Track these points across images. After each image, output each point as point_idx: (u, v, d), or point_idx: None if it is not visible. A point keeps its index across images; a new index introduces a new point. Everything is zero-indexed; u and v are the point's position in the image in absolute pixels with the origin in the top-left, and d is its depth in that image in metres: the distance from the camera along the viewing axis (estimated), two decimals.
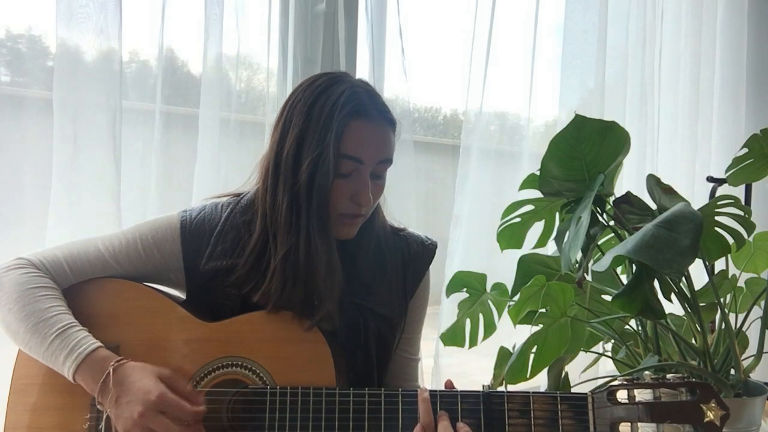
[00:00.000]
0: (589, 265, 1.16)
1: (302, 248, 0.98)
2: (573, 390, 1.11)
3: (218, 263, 1.03)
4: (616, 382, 0.90)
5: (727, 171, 1.24)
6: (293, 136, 0.99)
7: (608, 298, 1.28)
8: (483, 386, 0.95)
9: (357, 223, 1.04)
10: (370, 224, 1.10)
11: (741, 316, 1.22)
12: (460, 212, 1.84)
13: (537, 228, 1.37)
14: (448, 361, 1.77)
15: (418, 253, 1.16)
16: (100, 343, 0.94)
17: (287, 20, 1.57)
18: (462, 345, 1.44)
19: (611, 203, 1.13)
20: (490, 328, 1.42)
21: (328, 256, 0.98)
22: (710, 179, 1.76)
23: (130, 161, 1.37)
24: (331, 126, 0.96)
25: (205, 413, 0.92)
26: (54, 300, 0.97)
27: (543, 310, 1.18)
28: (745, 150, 1.20)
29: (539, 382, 1.27)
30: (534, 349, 1.17)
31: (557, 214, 1.29)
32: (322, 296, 0.99)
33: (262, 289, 0.99)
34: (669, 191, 1.13)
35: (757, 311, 1.19)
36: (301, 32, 1.59)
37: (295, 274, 0.98)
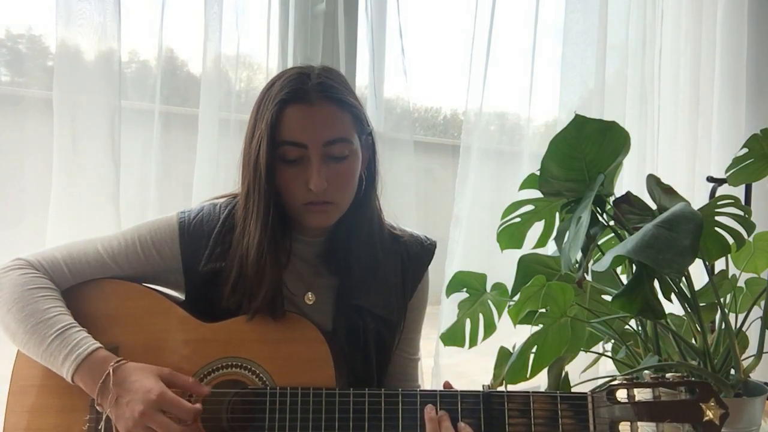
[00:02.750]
0: (589, 265, 1.16)
1: (246, 239, 0.99)
2: (573, 390, 1.11)
3: (217, 265, 1.03)
4: (615, 382, 0.90)
5: (727, 171, 1.24)
6: (247, 133, 1.01)
7: (608, 298, 1.28)
8: (483, 386, 0.95)
9: (327, 210, 1.01)
10: (363, 222, 1.07)
11: (741, 316, 1.22)
12: (460, 212, 1.84)
13: (537, 228, 1.36)
14: (448, 361, 1.77)
15: (417, 254, 1.15)
16: (99, 344, 0.93)
17: (287, 20, 1.57)
18: (462, 345, 1.43)
19: (611, 203, 1.13)
20: (490, 328, 1.42)
21: (258, 242, 0.97)
22: (710, 179, 1.76)
23: (129, 161, 1.37)
24: (265, 115, 0.96)
25: (203, 412, 0.92)
26: (53, 301, 0.96)
27: (543, 310, 1.18)
28: (745, 150, 1.20)
29: (539, 382, 1.27)
30: (534, 349, 1.17)
31: (557, 214, 1.28)
32: (260, 284, 0.98)
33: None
34: (669, 191, 1.13)
35: (757, 311, 1.19)
36: (301, 32, 1.59)
37: (241, 265, 0.99)
